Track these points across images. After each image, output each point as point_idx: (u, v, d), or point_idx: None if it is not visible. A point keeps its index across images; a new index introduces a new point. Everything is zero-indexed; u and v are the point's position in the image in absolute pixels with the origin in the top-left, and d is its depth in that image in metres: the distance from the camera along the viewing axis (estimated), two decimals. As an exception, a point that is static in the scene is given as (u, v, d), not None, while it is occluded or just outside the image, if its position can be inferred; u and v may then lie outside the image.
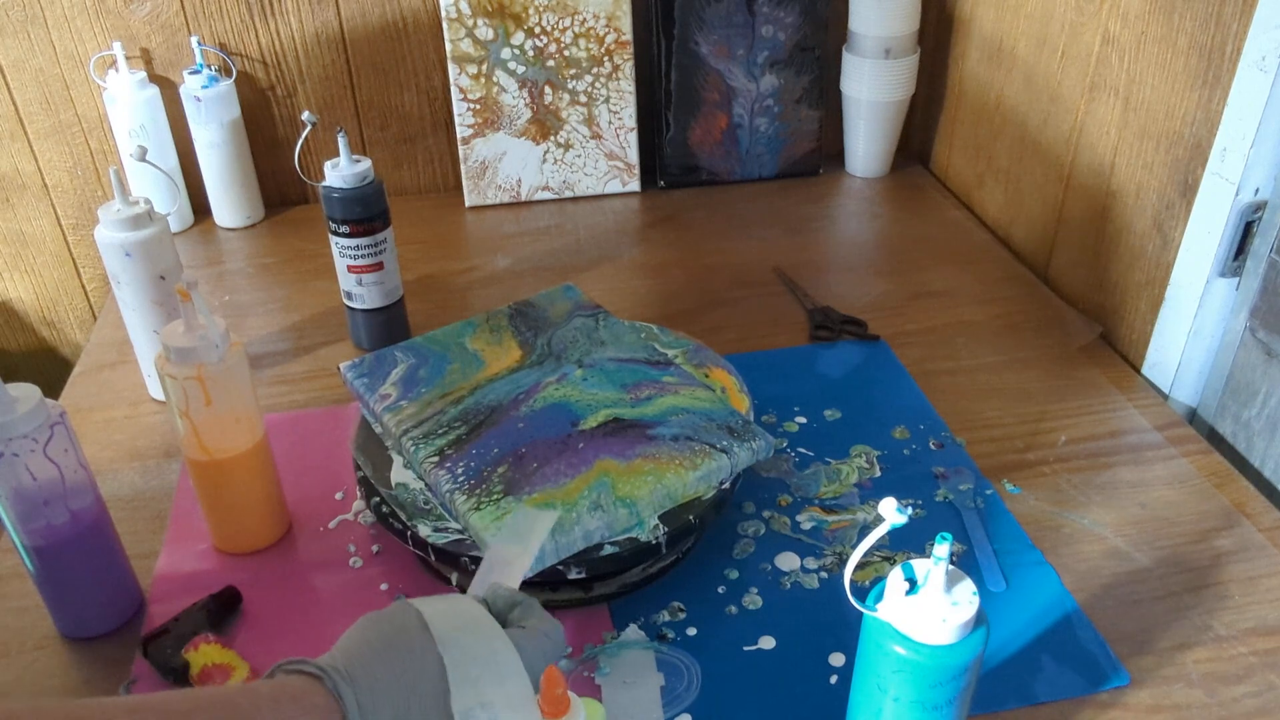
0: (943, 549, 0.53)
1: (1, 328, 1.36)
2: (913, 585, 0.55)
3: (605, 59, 1.26)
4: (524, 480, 0.73)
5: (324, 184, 0.97)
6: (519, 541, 0.67)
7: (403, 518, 0.74)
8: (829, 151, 1.40)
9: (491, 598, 0.59)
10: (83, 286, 1.34)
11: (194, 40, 1.19)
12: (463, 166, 1.30)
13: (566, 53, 1.25)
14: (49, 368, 1.39)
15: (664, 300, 1.13)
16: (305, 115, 0.98)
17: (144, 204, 0.87)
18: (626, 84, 1.28)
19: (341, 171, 0.96)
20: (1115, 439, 0.91)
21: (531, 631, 0.56)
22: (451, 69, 1.24)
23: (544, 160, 1.31)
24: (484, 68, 1.24)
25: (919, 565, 0.56)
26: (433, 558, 0.73)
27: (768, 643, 0.73)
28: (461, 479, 0.74)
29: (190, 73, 1.20)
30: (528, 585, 0.71)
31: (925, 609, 0.54)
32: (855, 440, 0.90)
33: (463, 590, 0.75)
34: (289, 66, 1.26)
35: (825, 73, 1.33)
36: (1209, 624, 0.73)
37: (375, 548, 0.81)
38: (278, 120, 1.29)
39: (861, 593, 0.66)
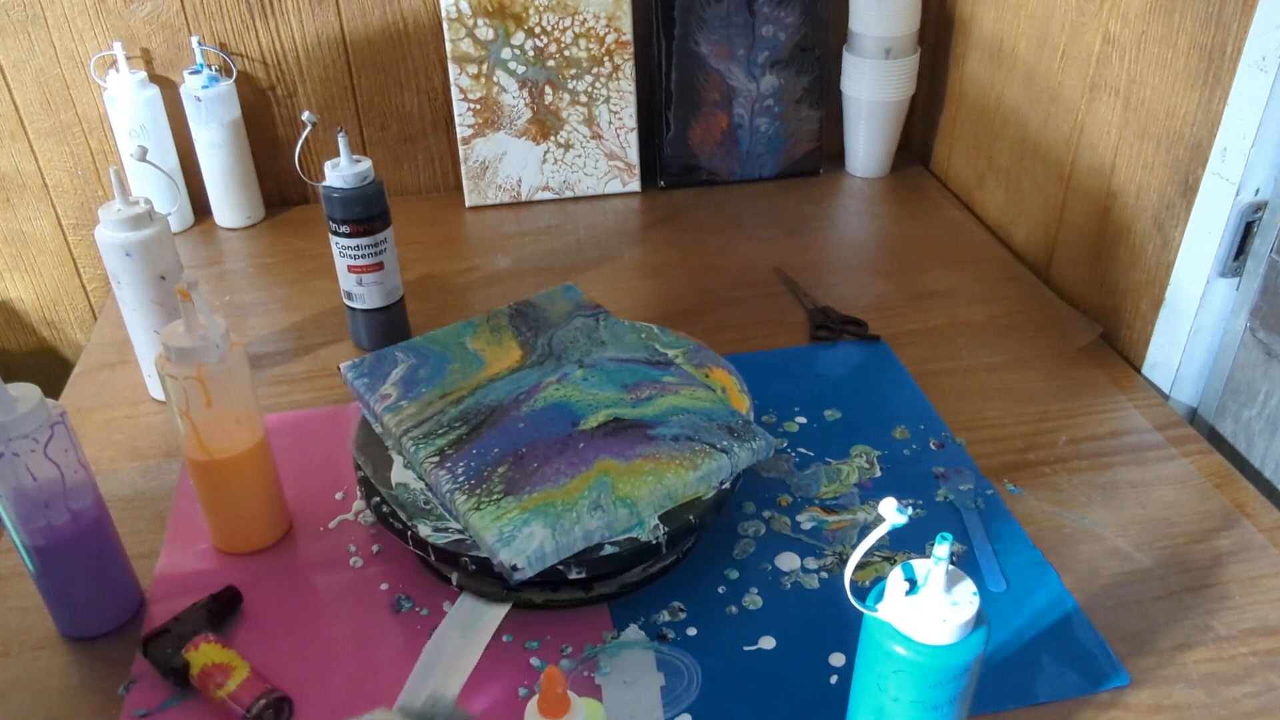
0: (943, 549, 0.53)
1: (2, 328, 1.36)
2: (913, 585, 0.55)
3: (605, 59, 1.26)
4: (524, 480, 0.73)
5: (324, 184, 0.97)
6: (464, 634, 0.65)
7: (403, 518, 0.74)
8: (829, 151, 1.40)
9: (431, 712, 0.56)
10: (83, 286, 1.34)
11: (194, 40, 1.19)
12: (463, 166, 1.30)
13: (567, 53, 1.25)
14: (49, 368, 1.39)
15: (664, 300, 1.13)
16: (305, 115, 0.98)
17: (144, 204, 0.87)
18: (627, 84, 1.28)
19: (342, 171, 0.96)
20: (1116, 439, 0.91)
21: None
22: (452, 69, 1.24)
23: (544, 160, 1.31)
24: (484, 68, 1.24)
25: (919, 565, 0.56)
26: (433, 558, 0.73)
27: (768, 643, 0.72)
28: (462, 479, 0.74)
29: (190, 73, 1.20)
30: (528, 584, 0.71)
31: (925, 609, 0.54)
32: (855, 440, 0.90)
33: (461, 589, 0.76)
34: (289, 66, 1.26)
35: (825, 73, 1.33)
36: (1209, 624, 0.73)
37: (375, 548, 0.81)
38: (278, 120, 1.29)
39: (862, 593, 0.66)
